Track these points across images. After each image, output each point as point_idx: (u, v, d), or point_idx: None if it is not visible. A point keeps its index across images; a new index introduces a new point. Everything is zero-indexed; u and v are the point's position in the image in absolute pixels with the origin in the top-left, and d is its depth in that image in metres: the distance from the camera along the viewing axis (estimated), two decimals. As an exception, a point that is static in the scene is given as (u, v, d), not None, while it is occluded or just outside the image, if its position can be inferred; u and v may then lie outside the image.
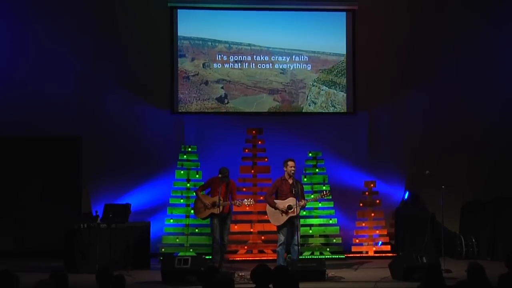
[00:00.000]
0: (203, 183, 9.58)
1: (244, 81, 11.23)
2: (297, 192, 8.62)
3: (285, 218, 8.68)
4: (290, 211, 8.65)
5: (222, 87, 11.20)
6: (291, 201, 8.68)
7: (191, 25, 11.13)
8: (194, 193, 9.57)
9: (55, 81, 10.83)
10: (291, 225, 8.70)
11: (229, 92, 11.20)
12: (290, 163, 8.82)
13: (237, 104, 11.21)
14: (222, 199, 8.83)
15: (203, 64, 11.18)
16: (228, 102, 11.19)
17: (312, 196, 9.14)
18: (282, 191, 8.81)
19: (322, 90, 11.33)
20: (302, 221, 9.69)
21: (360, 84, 11.19)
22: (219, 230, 9.01)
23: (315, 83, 11.33)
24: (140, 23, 11.00)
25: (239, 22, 11.23)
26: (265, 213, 9.31)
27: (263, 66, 11.21)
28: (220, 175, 8.97)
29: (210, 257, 9.19)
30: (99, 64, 10.92)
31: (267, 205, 8.87)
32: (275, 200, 8.79)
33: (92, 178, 10.78)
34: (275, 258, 9.00)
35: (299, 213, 8.71)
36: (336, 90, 11.31)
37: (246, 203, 8.99)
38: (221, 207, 8.86)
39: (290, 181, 8.79)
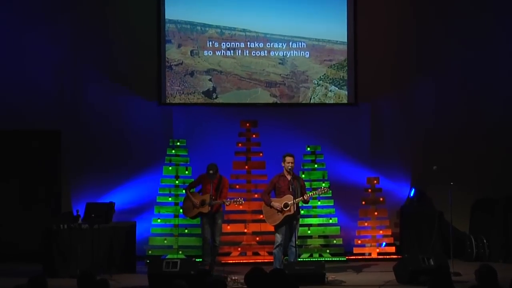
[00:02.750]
0: (193, 180, 9.56)
1: (238, 72, 11.13)
2: (295, 189, 8.60)
3: (281, 217, 8.68)
4: (286, 209, 8.64)
5: (210, 79, 11.08)
6: (287, 198, 8.66)
7: (179, 8, 11.03)
8: (184, 191, 9.55)
9: (31, 70, 10.76)
10: (290, 225, 8.69)
11: (220, 85, 11.07)
12: (288, 159, 8.81)
13: (227, 99, 11.09)
14: (212, 197, 8.82)
15: (191, 52, 11.10)
16: (216, 97, 11.08)
17: (310, 193, 9.12)
18: (280, 188, 8.81)
19: (331, 91, 11.14)
20: (300, 220, 9.66)
21: (362, 72, 11.17)
22: (209, 231, 9.01)
23: (320, 82, 11.15)
24: (124, 7, 10.95)
25: (232, 5, 11.13)
26: (260, 212, 9.31)
27: (259, 54, 11.13)
28: (210, 172, 8.94)
29: (201, 259, 9.17)
30: (80, 51, 10.86)
31: (263, 203, 8.86)
32: (271, 199, 8.78)
33: (73, 175, 10.74)
34: (271, 260, 9.00)
35: (297, 211, 8.70)
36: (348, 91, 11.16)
37: (236, 203, 8.97)
38: (209, 206, 8.86)
39: (289, 178, 8.77)
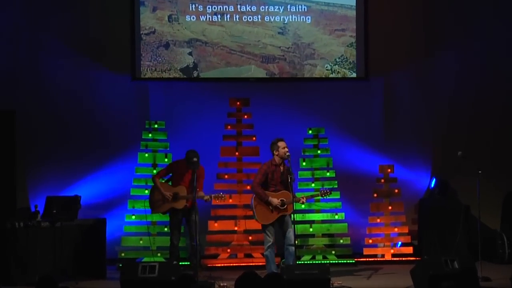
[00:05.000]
0: (162, 168, 9.57)
1: (227, 43, 10.99)
2: (291, 184, 8.58)
3: (275, 216, 8.68)
4: (282, 208, 8.62)
5: (190, 53, 10.95)
6: (284, 195, 8.66)
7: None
8: (151, 181, 9.50)
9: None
10: (280, 222, 8.69)
11: (204, 59, 10.92)
12: (282, 144, 8.75)
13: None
14: (186, 190, 8.82)
15: (169, 17, 10.96)
16: (198, 76, 10.97)
17: (308, 195, 9.10)
18: (272, 180, 8.77)
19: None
20: (299, 216, 9.67)
21: (374, 42, 11.14)
22: (180, 233, 9.07)
23: (335, 67, 10.90)
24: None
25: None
26: (253, 206, 9.29)
27: (251, 19, 11.02)
28: (194, 160, 8.86)
29: (189, 262, 9.18)
30: (38, 17, 10.79)
31: (254, 196, 8.82)
32: (266, 192, 8.73)
33: (30, 163, 10.70)
34: (265, 264, 8.99)
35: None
36: None
37: (218, 199, 8.92)
38: (183, 201, 8.83)
39: (281, 169, 8.74)
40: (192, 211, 9.03)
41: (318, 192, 9.14)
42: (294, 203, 8.69)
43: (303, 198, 8.83)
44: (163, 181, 9.25)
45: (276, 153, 8.77)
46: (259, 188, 8.76)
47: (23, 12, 10.79)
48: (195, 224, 8.98)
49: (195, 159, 8.89)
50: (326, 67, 10.99)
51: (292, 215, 8.65)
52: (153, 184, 9.29)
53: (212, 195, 8.95)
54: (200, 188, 9.04)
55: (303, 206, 10.08)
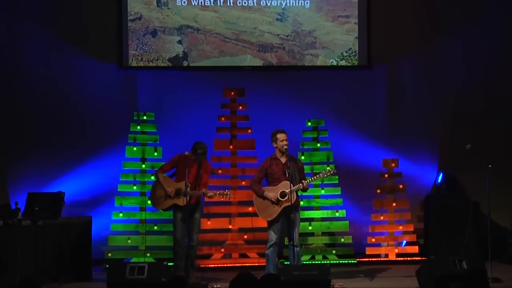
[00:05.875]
0: (164, 163, 9.50)
1: (220, 30, 10.98)
2: (293, 174, 8.57)
3: (277, 210, 8.67)
4: (283, 199, 8.61)
5: (179, 41, 10.91)
6: (284, 186, 8.65)
7: None
8: (153, 176, 9.49)
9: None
10: (287, 218, 8.68)
11: (195, 48, 10.91)
12: (281, 136, 8.76)
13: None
14: (189, 185, 8.78)
15: (158, 1, 10.93)
16: (188, 66, 10.93)
17: (310, 178, 9.09)
18: (273, 174, 8.78)
19: None
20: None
21: (377, 28, 11.15)
22: (184, 229, 8.98)
23: (343, 62, 10.85)
24: None
25: None
26: (247, 203, 9.31)
27: (247, 3, 10.99)
28: (198, 152, 8.84)
29: (173, 264, 9.15)
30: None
31: (254, 195, 8.83)
32: (263, 188, 8.74)
33: (10, 158, 10.68)
34: (263, 264, 8.99)
35: (297, 201, 8.69)
36: None
37: (222, 196, 8.94)
38: (187, 197, 8.81)
39: (283, 160, 8.74)
40: (196, 208, 9.06)
41: (321, 174, 9.09)
42: (298, 192, 8.70)
43: (304, 182, 8.75)
44: (165, 175, 9.22)
45: (275, 145, 8.79)
46: (254, 185, 8.82)
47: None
48: (196, 223, 9.03)
49: (199, 151, 8.90)
50: (332, 62, 10.95)
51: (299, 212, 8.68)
52: (156, 179, 9.27)
53: (217, 192, 8.94)
54: (205, 184, 9.04)
55: (302, 202, 10.09)
